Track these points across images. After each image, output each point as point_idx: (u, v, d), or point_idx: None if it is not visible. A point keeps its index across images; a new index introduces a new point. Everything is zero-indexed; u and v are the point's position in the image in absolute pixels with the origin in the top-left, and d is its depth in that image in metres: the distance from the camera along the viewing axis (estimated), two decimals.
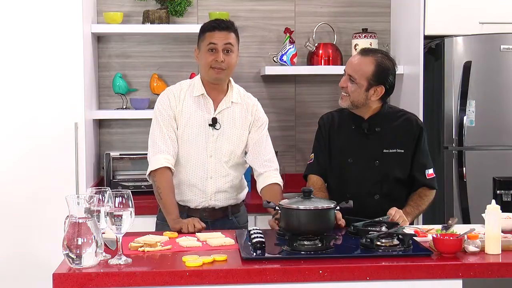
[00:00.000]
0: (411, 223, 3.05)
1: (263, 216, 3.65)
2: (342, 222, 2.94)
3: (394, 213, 2.94)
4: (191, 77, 4.29)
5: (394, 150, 3.14)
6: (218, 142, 3.19)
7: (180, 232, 2.89)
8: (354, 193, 3.07)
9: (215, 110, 3.20)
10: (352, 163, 3.15)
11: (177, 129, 3.18)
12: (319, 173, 3.23)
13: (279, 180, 3.22)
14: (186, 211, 3.18)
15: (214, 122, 3.18)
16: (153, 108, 4.27)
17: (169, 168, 3.11)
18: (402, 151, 3.14)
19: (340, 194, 3.05)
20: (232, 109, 3.23)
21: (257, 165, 3.23)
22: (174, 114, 3.18)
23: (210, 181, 3.19)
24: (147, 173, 3.16)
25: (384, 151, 3.13)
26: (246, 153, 3.26)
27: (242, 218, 3.33)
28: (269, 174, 3.21)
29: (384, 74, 3.10)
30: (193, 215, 3.12)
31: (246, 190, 3.37)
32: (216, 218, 3.22)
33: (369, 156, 3.14)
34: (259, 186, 3.21)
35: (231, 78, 3.27)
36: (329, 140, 3.22)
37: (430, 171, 3.19)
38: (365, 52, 3.16)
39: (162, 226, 3.15)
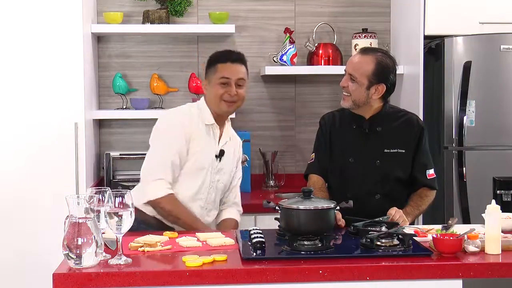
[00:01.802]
0: (411, 223, 3.05)
1: (263, 216, 3.66)
2: (342, 222, 2.95)
3: (394, 213, 2.94)
4: (190, 77, 4.29)
5: (395, 150, 3.14)
6: (218, 175, 3.20)
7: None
8: (354, 193, 3.08)
9: (219, 142, 3.20)
10: (353, 162, 3.15)
11: (186, 154, 3.11)
12: (320, 173, 3.23)
13: (237, 217, 3.30)
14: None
15: (221, 154, 3.18)
16: (153, 108, 4.31)
17: (172, 194, 3.08)
18: (403, 151, 3.14)
19: (340, 194, 3.06)
20: (229, 143, 3.25)
21: (224, 200, 3.31)
22: (188, 137, 3.11)
23: (206, 212, 3.20)
24: (145, 200, 3.06)
25: (385, 151, 3.13)
26: None
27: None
28: (228, 210, 3.30)
29: (385, 72, 3.10)
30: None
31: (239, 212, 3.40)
32: None
33: (370, 155, 3.14)
34: (218, 218, 3.29)
35: None
36: (330, 139, 3.22)
37: (431, 171, 3.19)
38: (365, 51, 3.17)
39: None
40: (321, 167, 3.23)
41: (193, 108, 3.22)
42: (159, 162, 3.10)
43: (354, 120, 3.17)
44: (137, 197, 2.78)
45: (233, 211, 3.32)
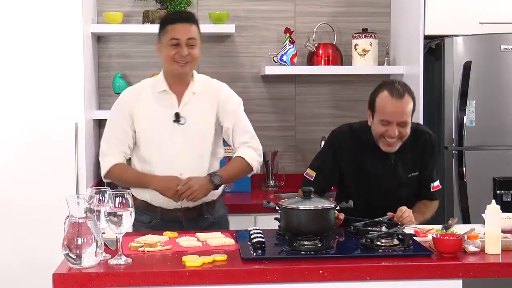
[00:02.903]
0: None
1: (263, 216, 3.65)
2: (341, 216, 2.91)
3: (405, 211, 2.93)
4: None
5: (416, 173, 3.14)
6: (187, 136, 3.11)
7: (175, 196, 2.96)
8: (377, 214, 2.97)
9: (179, 105, 3.14)
10: (377, 187, 3.09)
11: (134, 127, 3.12)
12: (317, 192, 2.86)
13: (245, 155, 3.13)
14: (159, 213, 3.12)
15: (177, 117, 3.11)
16: None
17: (120, 163, 3.11)
18: (417, 173, 3.15)
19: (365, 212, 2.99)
20: (195, 100, 3.15)
21: (234, 143, 3.19)
22: (132, 112, 3.12)
23: (183, 177, 3.05)
24: (103, 176, 3.16)
25: (409, 176, 3.12)
26: (225, 140, 3.23)
27: (219, 212, 3.23)
28: (239, 149, 3.17)
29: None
30: (167, 216, 3.10)
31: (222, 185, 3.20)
32: (190, 217, 3.13)
33: (395, 182, 3.10)
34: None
35: (194, 70, 3.20)
36: (343, 161, 3.11)
37: (436, 183, 3.19)
38: (398, 94, 2.96)
39: (136, 227, 2.99)
40: (321, 188, 3.06)
41: (147, 81, 3.25)
42: (105, 140, 3.17)
43: (375, 146, 3.06)
44: None
45: (243, 150, 3.16)
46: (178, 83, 3.15)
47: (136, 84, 3.27)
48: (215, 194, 3.18)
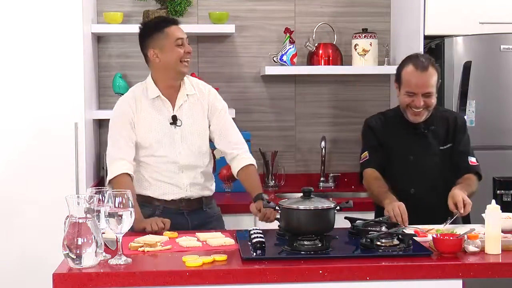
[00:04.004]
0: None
1: None
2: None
3: (460, 196, 3.01)
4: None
5: (447, 146, 3.27)
6: (184, 138, 3.21)
7: (144, 231, 2.90)
8: (417, 188, 3.20)
9: (173, 108, 3.21)
10: (413, 160, 3.24)
11: (135, 134, 3.17)
12: (376, 167, 3.25)
13: (252, 160, 3.25)
14: (162, 204, 3.21)
15: (174, 120, 3.19)
16: None
17: (127, 174, 3.11)
18: (451, 144, 3.27)
19: (403, 187, 3.18)
20: (188, 102, 3.24)
21: (227, 149, 3.26)
22: (133, 120, 3.17)
23: (183, 175, 3.21)
24: (107, 182, 3.17)
25: (441, 148, 3.26)
26: (212, 142, 3.30)
27: (214, 209, 3.37)
28: (241, 156, 3.23)
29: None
30: (171, 207, 3.19)
31: (214, 181, 3.38)
32: (192, 209, 3.24)
33: (429, 153, 3.24)
34: (234, 170, 3.25)
35: None
36: (384, 140, 3.28)
37: (473, 159, 3.29)
38: (423, 66, 3.16)
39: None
40: (376, 163, 3.26)
41: (136, 89, 3.27)
42: (114, 145, 3.17)
43: (405, 122, 3.25)
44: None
45: (242, 156, 3.24)
46: (170, 88, 3.23)
47: (128, 93, 3.29)
48: (211, 190, 3.33)
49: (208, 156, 3.31)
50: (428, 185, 3.22)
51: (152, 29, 3.20)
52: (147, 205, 3.19)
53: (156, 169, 3.21)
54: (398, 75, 3.24)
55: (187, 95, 3.24)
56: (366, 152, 3.31)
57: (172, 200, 3.22)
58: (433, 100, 3.18)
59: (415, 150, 3.25)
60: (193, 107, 3.24)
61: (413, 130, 3.26)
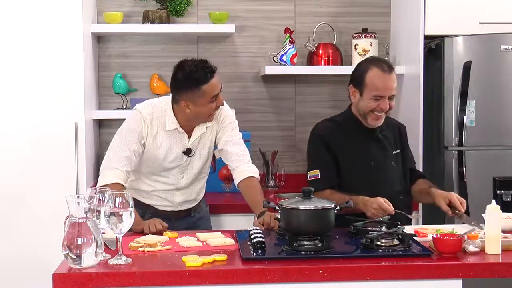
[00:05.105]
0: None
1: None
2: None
3: (455, 197, 3.02)
4: None
5: (398, 151, 3.29)
6: (191, 164, 3.26)
7: (142, 233, 2.89)
8: (382, 194, 3.02)
9: (189, 139, 3.21)
10: (375, 166, 3.18)
11: (143, 152, 3.17)
12: (331, 187, 3.11)
13: (254, 172, 3.23)
14: (152, 210, 3.27)
15: (188, 152, 3.21)
16: None
17: (120, 184, 3.06)
18: (399, 151, 3.30)
19: (369, 195, 3.03)
20: (206, 132, 3.25)
21: (229, 160, 3.27)
22: (145, 140, 3.15)
23: (177, 193, 3.29)
24: (98, 186, 3.10)
25: (393, 152, 3.26)
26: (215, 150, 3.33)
27: (202, 211, 3.43)
28: (243, 168, 3.23)
29: None
30: (160, 213, 3.23)
31: (205, 188, 3.43)
32: (180, 216, 3.33)
33: (387, 158, 3.23)
34: (236, 181, 3.25)
35: None
36: (339, 149, 3.17)
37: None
38: (389, 68, 3.12)
39: None
40: (333, 182, 3.14)
41: (157, 107, 3.16)
42: (115, 154, 3.13)
43: (361, 127, 3.20)
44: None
45: (243, 168, 3.23)
46: (189, 125, 3.20)
47: (146, 109, 3.16)
48: (201, 197, 3.41)
49: (207, 172, 3.37)
50: (392, 190, 3.17)
51: (189, 84, 3.05)
52: (137, 206, 3.14)
53: (153, 185, 3.28)
54: (361, 79, 3.12)
55: (206, 127, 3.23)
56: (317, 170, 3.16)
57: (161, 210, 3.29)
58: (393, 103, 3.14)
59: (375, 155, 3.19)
60: (207, 136, 3.26)
61: (370, 134, 3.20)
